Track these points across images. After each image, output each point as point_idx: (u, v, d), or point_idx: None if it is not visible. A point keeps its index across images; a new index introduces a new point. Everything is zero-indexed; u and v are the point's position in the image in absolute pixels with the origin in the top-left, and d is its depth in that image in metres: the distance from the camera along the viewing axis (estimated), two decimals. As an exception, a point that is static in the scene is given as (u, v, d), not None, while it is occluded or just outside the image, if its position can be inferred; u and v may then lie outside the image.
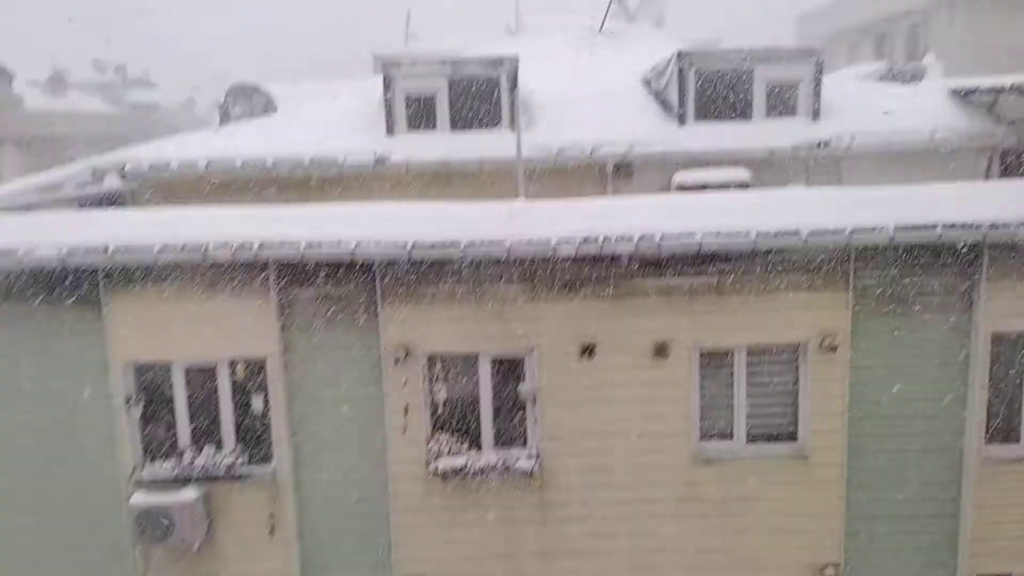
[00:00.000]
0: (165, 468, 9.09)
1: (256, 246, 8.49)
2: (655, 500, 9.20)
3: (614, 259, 8.80)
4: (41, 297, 8.84)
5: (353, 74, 18.44)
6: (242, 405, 9.19)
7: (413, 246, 8.52)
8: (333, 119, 13.29)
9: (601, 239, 8.53)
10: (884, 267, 8.89)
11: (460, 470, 9.01)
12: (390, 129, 12.82)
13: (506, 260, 8.71)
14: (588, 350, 8.99)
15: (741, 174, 11.62)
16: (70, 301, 8.86)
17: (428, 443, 9.12)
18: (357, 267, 8.85)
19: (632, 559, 9.29)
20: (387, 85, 12.75)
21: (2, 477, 9.10)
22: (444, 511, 9.21)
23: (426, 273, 8.86)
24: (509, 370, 9.18)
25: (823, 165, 12.59)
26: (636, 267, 8.87)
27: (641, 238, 8.53)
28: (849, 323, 8.92)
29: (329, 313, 8.99)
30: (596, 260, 8.81)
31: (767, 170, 12.34)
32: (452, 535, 9.25)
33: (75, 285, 8.83)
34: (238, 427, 9.24)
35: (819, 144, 12.34)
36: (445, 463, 9.02)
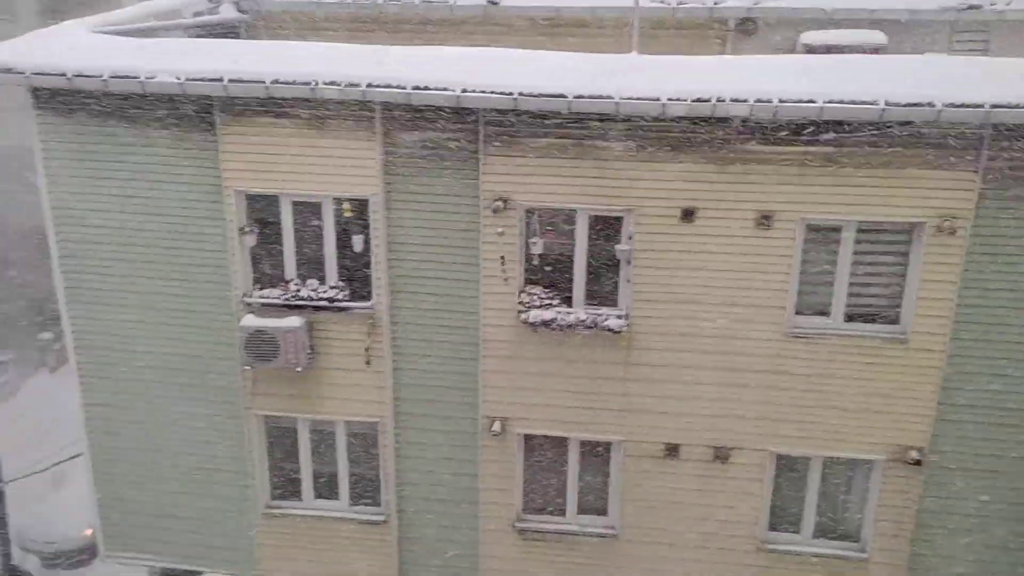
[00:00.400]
0: (273, 295, 9.61)
1: (364, 85, 8.49)
2: (741, 369, 9.22)
3: (726, 121, 8.42)
4: (161, 123, 9.18)
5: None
6: (345, 242, 9.51)
7: (519, 95, 8.34)
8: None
9: (714, 100, 8.14)
10: (1021, 149, 8.21)
11: (549, 323, 9.18)
12: (503, -29, 12.30)
13: (613, 116, 8.46)
14: (688, 214, 8.81)
15: (876, 37, 10.74)
16: (187, 128, 9.17)
17: (520, 294, 9.29)
18: (462, 113, 8.77)
19: (711, 424, 9.45)
20: (503, -79, 12.12)
21: (129, 291, 9.83)
22: (531, 360, 9.48)
23: (530, 124, 8.71)
24: (605, 229, 9.12)
25: (970, 32, 11.48)
26: (748, 131, 8.48)
27: (757, 101, 8.09)
28: (973, 206, 8.39)
29: (431, 158, 9.03)
30: (707, 121, 8.45)
31: (906, 34, 11.36)
32: (536, 384, 9.56)
33: (192, 113, 9.10)
34: (341, 263, 9.61)
35: (968, 7, 11.21)
36: (535, 315, 9.20)
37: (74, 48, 9.14)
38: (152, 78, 8.65)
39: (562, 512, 10.19)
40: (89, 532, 15.90)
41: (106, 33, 9.86)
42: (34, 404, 22.13)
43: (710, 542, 9.86)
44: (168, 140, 9.23)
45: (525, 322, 9.22)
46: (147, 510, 10.73)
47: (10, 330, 25.17)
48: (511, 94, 8.33)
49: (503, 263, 9.16)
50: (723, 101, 8.13)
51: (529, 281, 9.36)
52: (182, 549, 10.88)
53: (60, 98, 9.16)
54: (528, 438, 9.91)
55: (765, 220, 8.71)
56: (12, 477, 11.67)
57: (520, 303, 9.26)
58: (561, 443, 9.93)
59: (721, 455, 9.52)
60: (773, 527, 9.90)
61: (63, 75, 8.72)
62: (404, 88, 8.46)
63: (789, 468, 9.69)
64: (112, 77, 8.68)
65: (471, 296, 9.39)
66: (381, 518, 10.37)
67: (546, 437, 9.88)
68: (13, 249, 25.31)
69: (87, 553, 16.20)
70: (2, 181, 25.15)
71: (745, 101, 8.10)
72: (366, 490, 10.48)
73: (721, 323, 9.08)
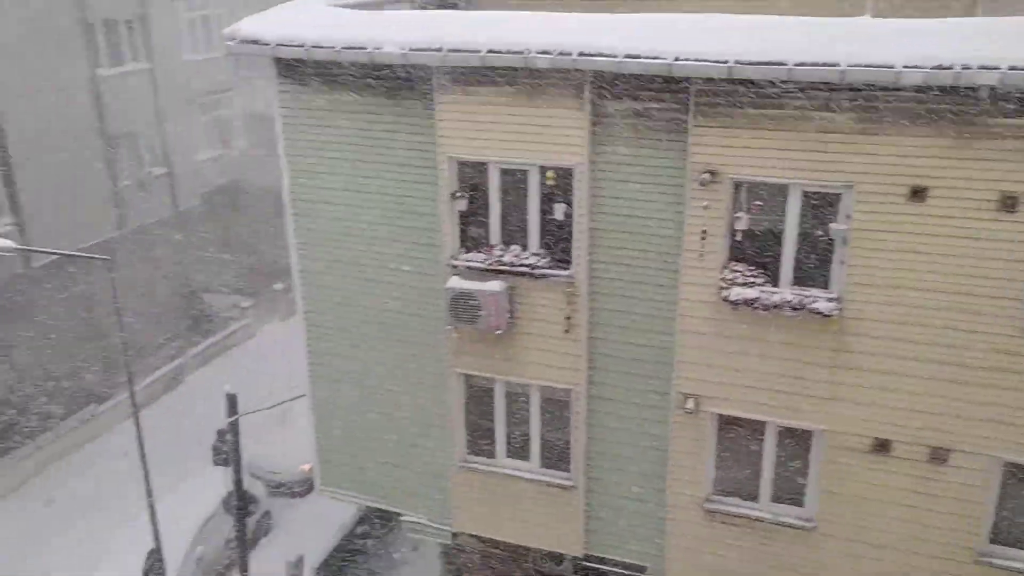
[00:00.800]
0: (477, 259, 9.97)
1: (575, 54, 8.51)
2: (968, 365, 8.39)
3: (969, 91, 7.61)
4: (385, 91, 9.73)
5: None
6: (548, 211, 9.65)
7: (734, 63, 8.01)
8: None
9: (958, 67, 7.37)
10: None
11: (752, 302, 8.83)
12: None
13: (838, 85, 7.90)
14: (918, 193, 8.09)
15: None
16: (408, 96, 9.66)
17: (723, 271, 8.99)
18: (674, 82, 8.55)
19: (929, 422, 8.69)
20: None
21: (350, 249, 10.59)
22: (730, 339, 9.18)
23: (744, 93, 8.34)
24: (820, 206, 8.59)
25: None
26: (994, 103, 7.61)
27: (1011, 68, 7.23)
28: None
29: (639, 127, 8.91)
30: (945, 91, 7.68)
31: None
32: (734, 363, 9.25)
33: (413, 82, 9.56)
34: (543, 231, 9.77)
35: None
36: (737, 293, 8.88)
37: (312, 21, 9.87)
38: (379, 48, 9.17)
39: (755, 498, 9.85)
40: (307, 468, 17.51)
41: (340, 6, 10.56)
42: (267, 347, 24.60)
43: (919, 547, 9.14)
44: (390, 107, 9.78)
45: (726, 299, 8.92)
46: (358, 452, 11.62)
47: (251, 280, 28.05)
48: (725, 62, 8.02)
49: (703, 237, 8.90)
50: (969, 68, 7.34)
51: (733, 258, 9.03)
52: (386, 492, 11.70)
53: (298, 68, 9.96)
54: (722, 418, 9.63)
55: (1010, 202, 7.81)
56: (245, 411, 13.07)
57: (722, 280, 8.97)
58: (757, 427, 9.56)
59: (938, 456, 8.76)
60: (994, 539, 9.00)
61: (302, 46, 9.46)
62: (615, 56, 8.38)
63: (1020, 477, 8.74)
64: (344, 48, 9.29)
65: (671, 269, 9.23)
66: (569, 483, 10.55)
67: (741, 419, 9.56)
68: (258, 206, 28.06)
69: (305, 486, 17.86)
70: (251, 145, 27.85)
71: (996, 68, 7.27)
72: (557, 454, 10.70)
73: (948, 314, 8.30)
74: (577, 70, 8.71)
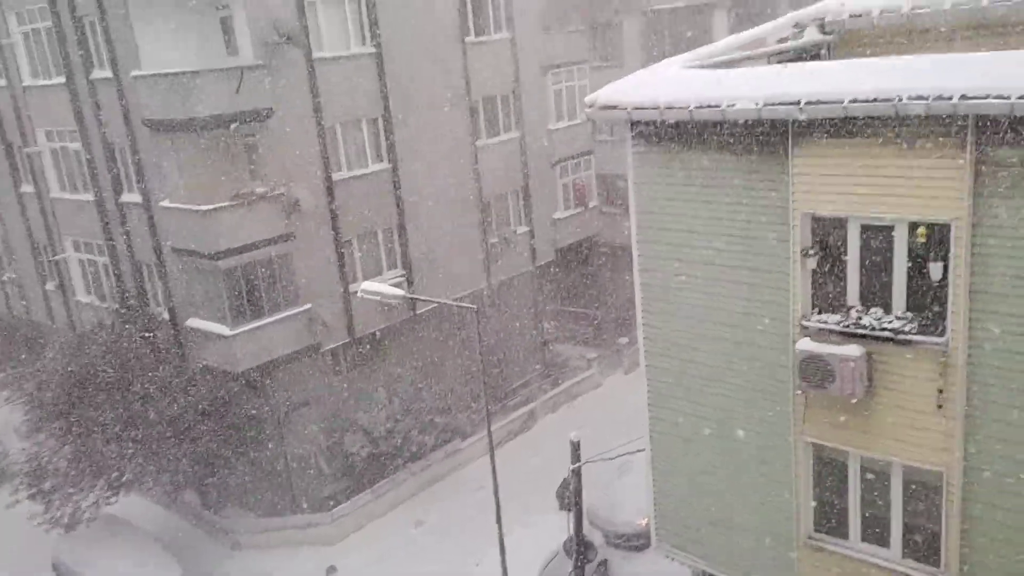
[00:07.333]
0: (831, 320, 9.32)
1: (955, 98, 7.69)
2: None
3: None
4: (736, 148, 9.63)
5: None
6: (917, 270, 8.74)
7: None
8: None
9: None
10: None
11: None
12: None
13: None
14: None
15: None
16: (760, 152, 9.44)
17: None
18: (1082, 123, 7.33)
19: None
20: None
21: (693, 305, 10.51)
22: None
23: None
24: None
25: None
26: None
27: None
28: None
29: (1037, 176, 7.74)
30: None
31: None
32: None
33: (766, 137, 9.34)
34: (910, 292, 8.86)
35: None
36: None
37: (666, 83, 10.14)
38: (732, 106, 9.12)
39: None
40: (643, 522, 17.50)
41: (695, 68, 10.73)
42: (610, 399, 25.31)
43: None
44: (741, 164, 9.64)
45: None
46: (695, 514, 11.34)
47: (598, 333, 29.22)
48: None
49: None
50: None
51: None
52: (725, 559, 11.24)
53: (651, 129, 10.26)
54: None
55: None
56: (587, 459, 13.48)
57: None
58: None
59: None
60: None
61: (655, 108, 9.75)
62: (1007, 100, 7.41)
63: None
64: (696, 107, 9.40)
65: (1078, 342, 7.78)
66: (938, 580, 9.27)
67: None
68: (608, 261, 29.28)
69: (642, 540, 17.86)
70: (603, 204, 29.29)
71: None
72: (923, 543, 9.46)
73: None
74: (957, 115, 7.85)
